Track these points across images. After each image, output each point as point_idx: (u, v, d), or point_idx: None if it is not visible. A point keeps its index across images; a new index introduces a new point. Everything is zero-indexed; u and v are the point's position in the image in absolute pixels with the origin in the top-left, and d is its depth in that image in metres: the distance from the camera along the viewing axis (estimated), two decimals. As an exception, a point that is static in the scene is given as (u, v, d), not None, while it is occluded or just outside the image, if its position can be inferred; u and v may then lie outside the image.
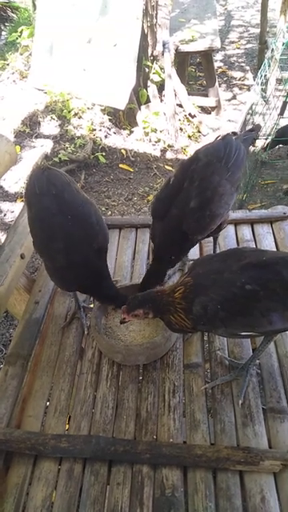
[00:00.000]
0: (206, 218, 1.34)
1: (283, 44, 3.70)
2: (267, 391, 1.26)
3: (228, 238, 1.78)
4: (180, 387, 1.31)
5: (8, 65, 4.37)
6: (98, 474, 1.15)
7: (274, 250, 1.68)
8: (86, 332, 1.50)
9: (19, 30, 4.41)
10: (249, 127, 3.73)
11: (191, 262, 1.55)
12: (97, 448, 1.17)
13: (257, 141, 3.55)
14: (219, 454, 1.11)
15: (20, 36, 4.40)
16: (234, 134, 1.52)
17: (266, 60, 3.66)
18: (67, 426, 1.27)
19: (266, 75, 3.65)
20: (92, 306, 1.58)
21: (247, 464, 1.10)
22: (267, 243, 1.71)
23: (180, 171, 1.40)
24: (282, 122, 3.39)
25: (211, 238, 1.63)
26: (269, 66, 3.68)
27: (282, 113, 3.18)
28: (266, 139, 3.30)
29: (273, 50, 3.74)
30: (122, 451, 1.16)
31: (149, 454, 1.14)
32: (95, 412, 1.28)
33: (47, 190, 1.31)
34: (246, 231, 1.80)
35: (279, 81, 4.42)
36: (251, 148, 3.66)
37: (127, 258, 1.77)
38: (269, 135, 3.30)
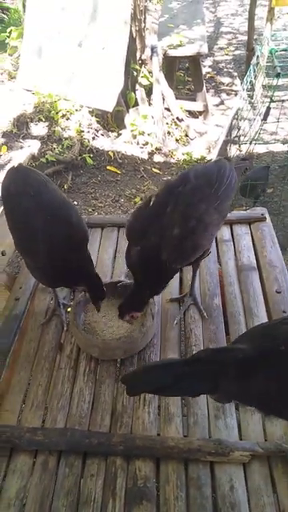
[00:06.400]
0: (188, 249, 1.25)
1: (269, 51, 3.78)
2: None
3: (207, 238, 1.81)
4: (156, 382, 1.33)
5: (-3, 65, 4.38)
6: (72, 465, 1.17)
7: (251, 249, 1.73)
8: (65, 328, 1.52)
9: (8, 30, 4.43)
10: (235, 132, 3.81)
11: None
12: (72, 440, 1.19)
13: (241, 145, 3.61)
14: (191, 446, 1.14)
15: (9, 37, 4.42)
16: (228, 159, 1.43)
17: (251, 66, 3.73)
18: (43, 420, 1.29)
19: (251, 81, 3.72)
20: (71, 302, 1.60)
21: (218, 455, 1.13)
22: (245, 243, 1.76)
23: (164, 192, 1.28)
24: (266, 127, 3.46)
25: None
26: (254, 72, 3.75)
27: (265, 118, 3.24)
28: (250, 143, 3.36)
29: (258, 56, 3.81)
30: (97, 443, 1.18)
31: (123, 446, 1.17)
32: (71, 406, 1.30)
33: (24, 191, 1.32)
34: (225, 232, 1.84)
35: (265, 87, 4.50)
36: (237, 152, 3.73)
37: (108, 256, 1.79)
38: (253, 139, 3.36)
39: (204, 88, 4.62)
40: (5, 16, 5.34)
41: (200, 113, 4.75)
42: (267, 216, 1.86)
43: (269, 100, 3.23)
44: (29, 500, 1.11)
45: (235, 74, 5.73)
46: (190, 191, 1.24)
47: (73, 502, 1.10)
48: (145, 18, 4.11)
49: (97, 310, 1.44)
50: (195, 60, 4.42)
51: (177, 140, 4.35)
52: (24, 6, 4.34)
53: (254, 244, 1.76)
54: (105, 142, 4.04)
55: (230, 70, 5.84)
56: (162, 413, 1.26)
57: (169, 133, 4.31)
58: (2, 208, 1.78)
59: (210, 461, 1.13)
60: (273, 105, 3.25)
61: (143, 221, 1.27)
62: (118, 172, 3.94)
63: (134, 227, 1.30)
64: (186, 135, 4.42)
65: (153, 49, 4.13)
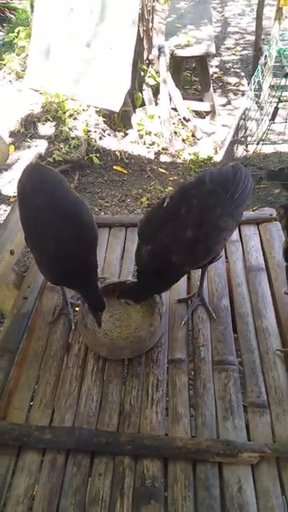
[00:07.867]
0: (200, 253, 1.24)
1: (277, 51, 3.77)
2: (248, 386, 1.29)
3: (215, 238, 1.81)
4: (163, 382, 1.33)
5: (4, 65, 4.40)
6: (80, 464, 1.17)
7: (260, 249, 1.73)
8: (73, 327, 1.52)
9: (16, 30, 4.45)
10: (242, 132, 3.80)
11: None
12: (80, 439, 1.19)
13: (249, 146, 3.60)
14: (199, 446, 1.14)
15: (17, 37, 4.45)
16: (244, 164, 1.43)
17: (259, 66, 3.72)
18: (51, 418, 1.29)
19: (259, 81, 3.71)
20: (79, 301, 1.60)
21: (226, 456, 1.12)
22: (253, 244, 1.75)
23: (178, 194, 1.28)
24: (274, 128, 3.45)
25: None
26: (262, 72, 3.74)
27: (273, 118, 3.24)
28: (258, 144, 3.35)
29: (266, 56, 3.80)
30: (105, 442, 1.18)
31: (131, 446, 1.17)
32: (79, 405, 1.30)
33: (39, 188, 1.34)
34: (233, 232, 1.84)
35: (272, 87, 4.49)
36: (244, 153, 3.72)
37: (116, 256, 1.80)
38: (260, 140, 3.35)
39: (211, 88, 4.62)
40: (12, 16, 5.37)
41: (207, 113, 4.75)
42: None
43: (276, 100, 3.23)
44: (37, 498, 1.12)
45: (242, 74, 5.72)
46: (205, 195, 1.22)
47: (81, 500, 1.10)
48: (152, 18, 4.12)
49: (97, 323, 1.40)
50: (202, 60, 4.42)
51: (183, 140, 4.35)
52: (32, 6, 4.36)
53: (262, 245, 1.76)
54: (111, 142, 4.05)
55: (237, 70, 5.83)
56: (169, 413, 1.25)
57: (175, 133, 4.31)
58: (12, 206, 1.79)
59: (218, 461, 1.13)
60: (280, 105, 3.25)
61: (156, 221, 1.27)
62: (125, 172, 3.94)
63: (147, 227, 1.31)
64: (193, 135, 4.42)
65: (160, 49, 4.13)
